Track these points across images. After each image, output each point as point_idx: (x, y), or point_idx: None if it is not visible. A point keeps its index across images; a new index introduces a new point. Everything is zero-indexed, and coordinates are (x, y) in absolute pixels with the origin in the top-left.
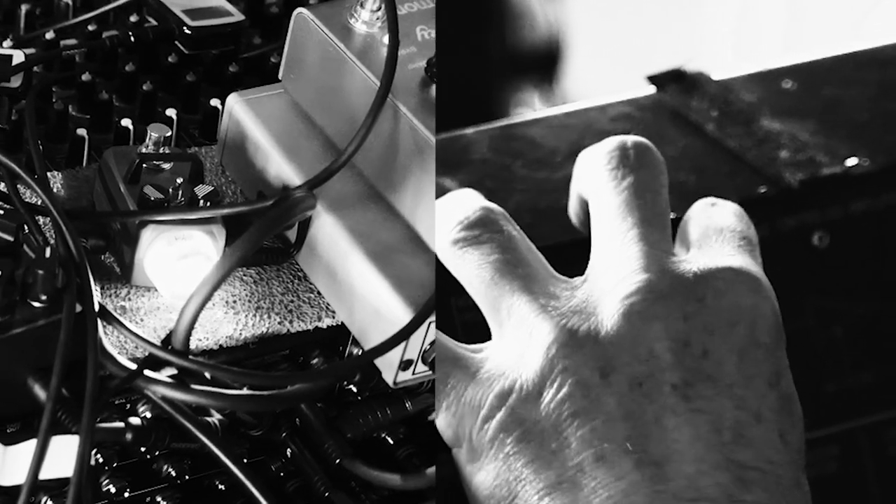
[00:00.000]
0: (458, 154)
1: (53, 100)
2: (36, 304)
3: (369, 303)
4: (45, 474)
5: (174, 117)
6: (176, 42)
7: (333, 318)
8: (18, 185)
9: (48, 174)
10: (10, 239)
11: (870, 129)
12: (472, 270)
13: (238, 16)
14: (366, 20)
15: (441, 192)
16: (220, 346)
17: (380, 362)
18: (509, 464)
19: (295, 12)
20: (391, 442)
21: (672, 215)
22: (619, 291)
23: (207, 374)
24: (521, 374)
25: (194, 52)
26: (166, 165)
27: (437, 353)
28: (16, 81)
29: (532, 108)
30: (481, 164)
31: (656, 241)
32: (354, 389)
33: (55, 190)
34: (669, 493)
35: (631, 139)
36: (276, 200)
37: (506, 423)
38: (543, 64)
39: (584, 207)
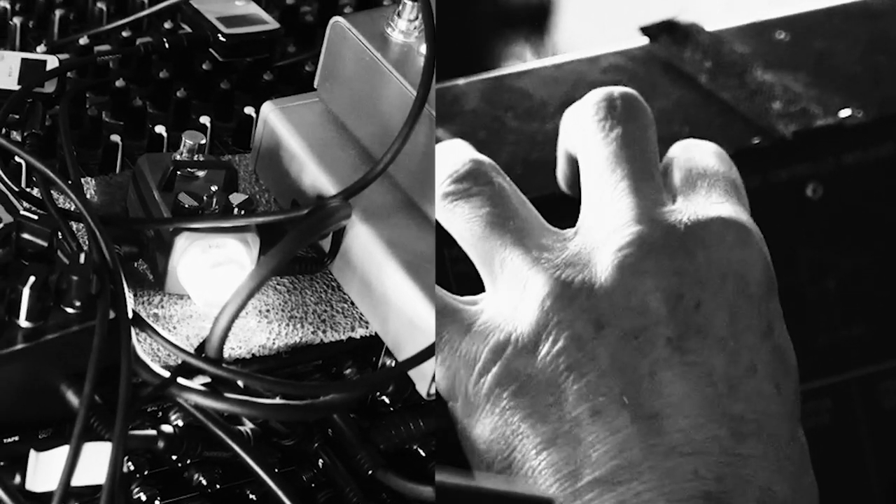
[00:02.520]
0: (450, 105)
1: (87, 106)
2: (69, 310)
3: (403, 313)
4: (76, 481)
5: (208, 125)
6: (210, 49)
7: (367, 328)
8: (52, 191)
9: (81, 180)
10: (44, 244)
11: (861, 81)
12: (462, 224)
13: (273, 24)
14: (403, 29)
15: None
16: (253, 355)
17: (413, 373)
18: (506, 418)
19: (331, 21)
20: (423, 454)
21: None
22: (611, 244)
23: (240, 383)
24: (517, 328)
25: (228, 59)
26: (200, 173)
27: None
28: (50, 87)
29: (522, 60)
30: (472, 115)
31: (647, 192)
32: (387, 400)
33: (88, 196)
34: (665, 446)
35: (618, 90)
36: (311, 210)
37: (501, 377)
38: (534, 15)
39: (573, 166)
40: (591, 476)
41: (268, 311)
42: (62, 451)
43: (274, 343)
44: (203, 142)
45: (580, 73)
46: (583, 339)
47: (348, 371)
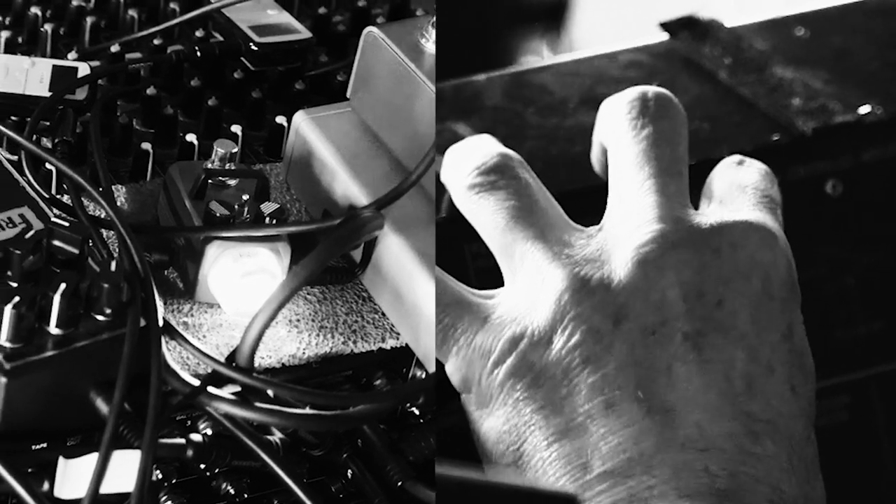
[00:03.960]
0: (470, 100)
1: (118, 113)
2: (100, 318)
3: (434, 325)
4: (105, 488)
5: (239, 133)
6: (242, 58)
7: (398, 339)
8: (83, 198)
9: (112, 188)
10: (76, 252)
11: (880, 77)
12: (487, 216)
13: (305, 33)
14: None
15: (454, 138)
16: (283, 364)
17: None
18: (519, 409)
19: (365, 31)
20: None
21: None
22: (632, 240)
23: (270, 392)
24: (533, 321)
25: (260, 68)
26: (232, 182)
27: (447, 298)
28: (81, 94)
29: (539, 56)
30: (493, 110)
31: (673, 192)
32: (417, 412)
33: (119, 204)
34: (679, 441)
35: (652, 90)
36: (343, 220)
37: (516, 369)
38: (550, 11)
39: (606, 154)
40: (602, 468)
41: (298, 320)
42: (91, 459)
43: (304, 353)
44: (235, 150)
45: (600, 68)
46: (600, 333)
47: (378, 382)
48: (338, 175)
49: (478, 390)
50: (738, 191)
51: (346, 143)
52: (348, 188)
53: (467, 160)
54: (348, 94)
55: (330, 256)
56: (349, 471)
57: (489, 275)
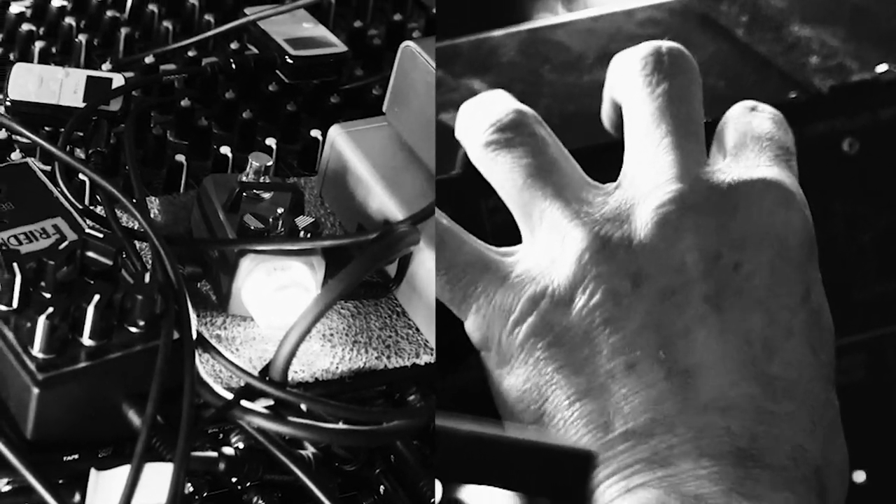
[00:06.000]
0: (487, 56)
1: (152, 125)
2: (133, 330)
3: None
4: (136, 501)
5: (274, 147)
6: (277, 71)
7: (432, 355)
8: (116, 210)
9: (146, 199)
10: (109, 263)
11: None
12: (503, 174)
13: (340, 47)
14: None
15: (470, 94)
16: (316, 379)
17: None
18: (539, 368)
19: (402, 45)
20: None
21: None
22: (652, 200)
23: (303, 407)
24: (553, 280)
25: (295, 81)
26: (266, 195)
27: (466, 256)
28: (115, 105)
29: (554, 13)
30: (510, 66)
31: (690, 149)
32: None
33: (152, 215)
34: (699, 402)
35: (666, 44)
36: (378, 234)
37: (537, 328)
38: None
39: (618, 111)
40: (624, 427)
41: (331, 335)
42: (123, 471)
43: (337, 367)
44: (269, 164)
45: (617, 25)
46: (620, 294)
47: (412, 398)
48: (373, 189)
49: (498, 349)
50: (753, 142)
51: (381, 158)
52: (383, 202)
53: (483, 116)
54: (384, 108)
55: (365, 271)
56: (382, 486)
57: (506, 229)
